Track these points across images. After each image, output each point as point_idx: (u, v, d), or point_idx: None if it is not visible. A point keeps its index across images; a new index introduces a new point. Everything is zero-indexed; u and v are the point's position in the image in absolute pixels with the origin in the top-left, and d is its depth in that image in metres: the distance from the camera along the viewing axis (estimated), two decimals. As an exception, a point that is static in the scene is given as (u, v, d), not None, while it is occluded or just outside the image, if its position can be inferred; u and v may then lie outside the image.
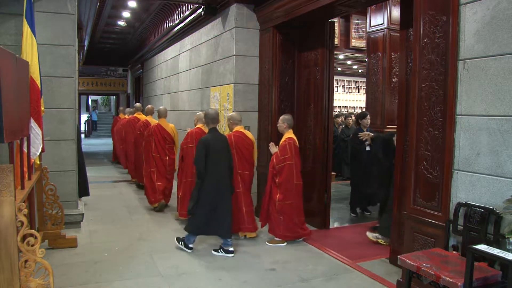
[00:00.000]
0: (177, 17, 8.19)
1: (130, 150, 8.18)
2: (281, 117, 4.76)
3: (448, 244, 2.87)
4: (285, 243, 4.56)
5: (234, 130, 4.77)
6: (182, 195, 5.21)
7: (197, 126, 5.36)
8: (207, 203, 4.13)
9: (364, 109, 8.46)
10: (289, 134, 4.63)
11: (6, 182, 2.23)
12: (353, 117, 8.94)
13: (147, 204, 6.38)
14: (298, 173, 4.57)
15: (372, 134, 5.61)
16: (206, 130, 5.01)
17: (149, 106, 7.57)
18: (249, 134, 4.86)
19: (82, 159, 5.56)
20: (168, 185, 6.12)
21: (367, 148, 5.69)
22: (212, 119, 4.31)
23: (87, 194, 5.78)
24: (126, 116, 9.39)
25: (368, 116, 5.97)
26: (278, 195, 4.50)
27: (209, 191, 4.13)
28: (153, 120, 7.02)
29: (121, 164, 9.81)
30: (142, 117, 7.74)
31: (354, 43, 8.16)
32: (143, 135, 6.65)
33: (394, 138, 4.29)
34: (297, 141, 4.64)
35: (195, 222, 4.21)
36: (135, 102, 14.70)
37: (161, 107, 6.57)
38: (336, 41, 7.41)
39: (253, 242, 4.62)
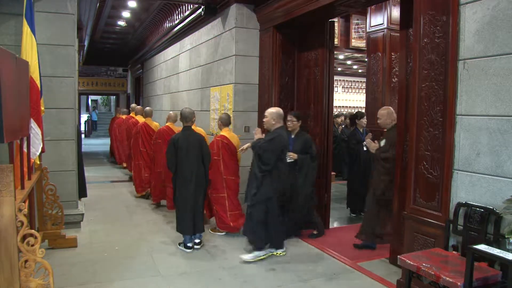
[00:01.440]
0: (177, 17, 8.19)
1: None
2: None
3: (448, 244, 2.87)
4: (223, 233, 4.88)
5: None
6: (154, 184, 6.22)
7: (166, 124, 6.16)
8: (183, 196, 4.35)
9: (364, 109, 8.45)
10: (223, 132, 4.96)
11: (6, 182, 2.23)
12: (342, 117, 8.97)
13: (147, 204, 6.38)
14: (227, 169, 4.83)
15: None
16: (174, 128, 6.00)
17: (138, 107, 8.67)
18: (200, 130, 5.28)
19: (81, 160, 5.55)
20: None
21: (364, 149, 5.69)
22: (184, 118, 4.51)
23: (84, 195, 5.79)
24: (123, 116, 9.94)
25: (365, 117, 5.96)
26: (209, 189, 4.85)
27: (183, 183, 4.35)
28: (141, 119, 7.63)
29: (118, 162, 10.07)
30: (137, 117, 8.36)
31: (354, 43, 8.16)
32: (131, 133, 7.67)
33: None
34: (231, 139, 4.89)
35: (178, 222, 4.42)
36: (135, 102, 14.82)
37: (147, 108, 7.46)
38: (336, 41, 7.40)
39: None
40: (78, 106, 8.20)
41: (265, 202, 4.05)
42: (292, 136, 4.70)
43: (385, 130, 4.43)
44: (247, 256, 4.07)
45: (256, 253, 4.09)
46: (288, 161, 4.39)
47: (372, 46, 7.21)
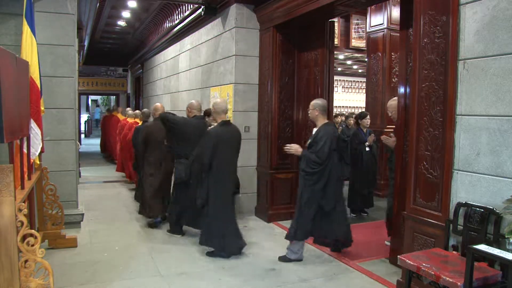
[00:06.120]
0: (177, 17, 8.19)
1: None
2: None
3: (448, 244, 2.87)
4: None
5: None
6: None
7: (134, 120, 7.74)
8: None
9: (364, 109, 8.46)
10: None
11: (6, 182, 2.23)
12: (343, 117, 8.97)
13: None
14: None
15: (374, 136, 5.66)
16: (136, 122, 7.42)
17: (119, 108, 12.09)
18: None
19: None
20: None
21: (367, 149, 5.71)
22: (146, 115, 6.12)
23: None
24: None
25: (368, 117, 5.97)
26: None
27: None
28: (121, 117, 9.74)
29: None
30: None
31: (354, 43, 8.17)
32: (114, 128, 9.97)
33: None
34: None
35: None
36: (135, 102, 14.85)
37: (127, 108, 9.99)
38: (336, 41, 7.41)
39: (253, 242, 4.62)
40: (78, 106, 8.34)
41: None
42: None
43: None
44: None
45: None
46: None
47: (372, 46, 7.22)
